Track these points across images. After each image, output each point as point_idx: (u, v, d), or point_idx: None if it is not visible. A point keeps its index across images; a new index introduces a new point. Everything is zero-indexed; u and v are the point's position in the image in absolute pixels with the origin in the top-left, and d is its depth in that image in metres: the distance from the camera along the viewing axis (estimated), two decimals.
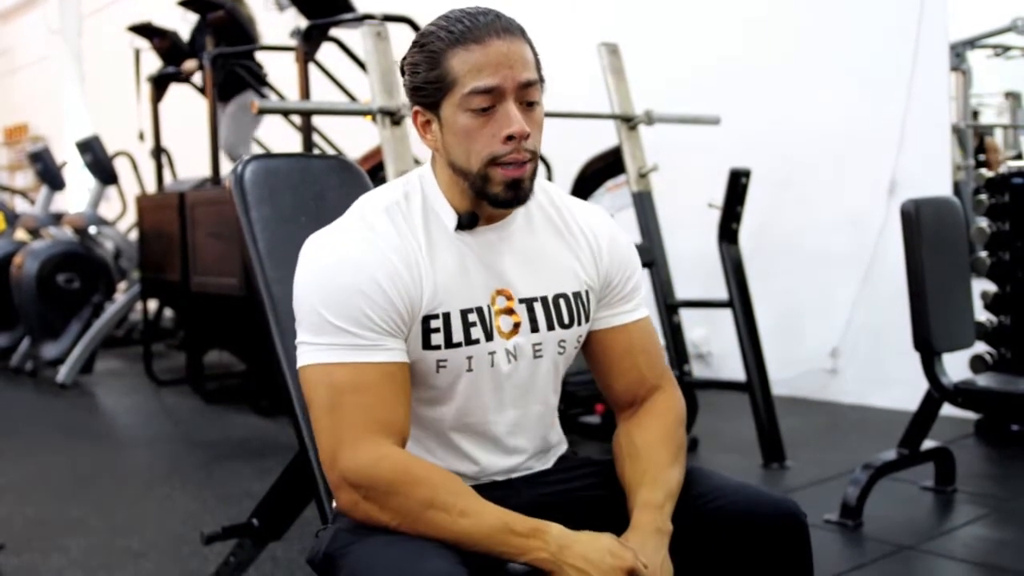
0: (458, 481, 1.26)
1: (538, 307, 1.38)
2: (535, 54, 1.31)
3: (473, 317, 1.33)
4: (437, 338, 1.31)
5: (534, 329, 1.38)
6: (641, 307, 1.48)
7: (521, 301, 1.37)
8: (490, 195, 1.30)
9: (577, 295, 1.41)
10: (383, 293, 1.26)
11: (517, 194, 1.30)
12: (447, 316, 1.31)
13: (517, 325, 1.36)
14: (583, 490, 1.44)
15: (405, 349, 1.30)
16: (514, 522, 1.22)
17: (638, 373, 1.46)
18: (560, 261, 1.40)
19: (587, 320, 1.43)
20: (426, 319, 1.30)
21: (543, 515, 1.29)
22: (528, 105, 1.29)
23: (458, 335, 1.32)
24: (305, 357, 1.28)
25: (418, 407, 1.36)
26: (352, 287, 1.26)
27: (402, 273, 1.28)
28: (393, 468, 1.24)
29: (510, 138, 1.26)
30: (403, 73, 1.33)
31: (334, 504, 1.43)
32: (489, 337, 1.34)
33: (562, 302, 1.40)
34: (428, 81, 1.28)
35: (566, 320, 1.40)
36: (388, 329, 1.27)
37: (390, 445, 1.25)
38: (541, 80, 1.31)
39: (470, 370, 1.34)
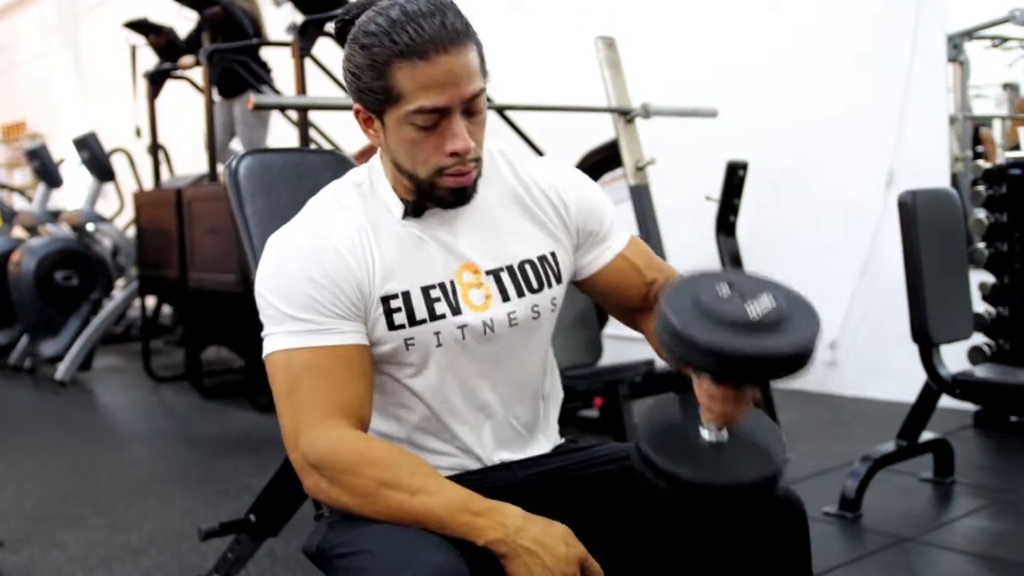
0: (418, 462, 1.26)
1: (505, 276, 1.38)
2: (480, 53, 1.29)
3: (436, 293, 1.34)
4: (400, 317, 1.32)
5: (505, 299, 1.38)
6: (622, 232, 1.50)
7: (488, 273, 1.38)
8: (435, 198, 1.33)
9: (543, 259, 1.42)
10: (328, 276, 1.28)
11: (462, 199, 1.33)
12: (407, 295, 1.32)
13: (488, 297, 1.37)
14: (578, 469, 1.44)
15: (363, 331, 1.31)
16: (472, 502, 1.21)
17: (646, 279, 1.49)
18: (520, 228, 1.41)
19: (559, 281, 1.43)
20: (385, 299, 1.32)
21: (536, 496, 1.29)
22: (472, 114, 1.29)
23: (421, 312, 1.33)
24: (266, 347, 1.30)
25: (398, 388, 1.36)
26: (297, 274, 1.28)
27: (345, 256, 1.30)
28: (350, 448, 1.24)
29: (454, 153, 1.27)
30: (344, 63, 1.30)
31: None
32: (456, 311, 1.34)
33: (528, 267, 1.40)
34: (372, 90, 1.26)
35: (535, 285, 1.40)
36: (339, 312, 1.28)
37: (347, 427, 1.26)
38: (485, 78, 1.30)
39: (439, 345, 1.34)
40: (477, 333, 1.36)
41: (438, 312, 1.33)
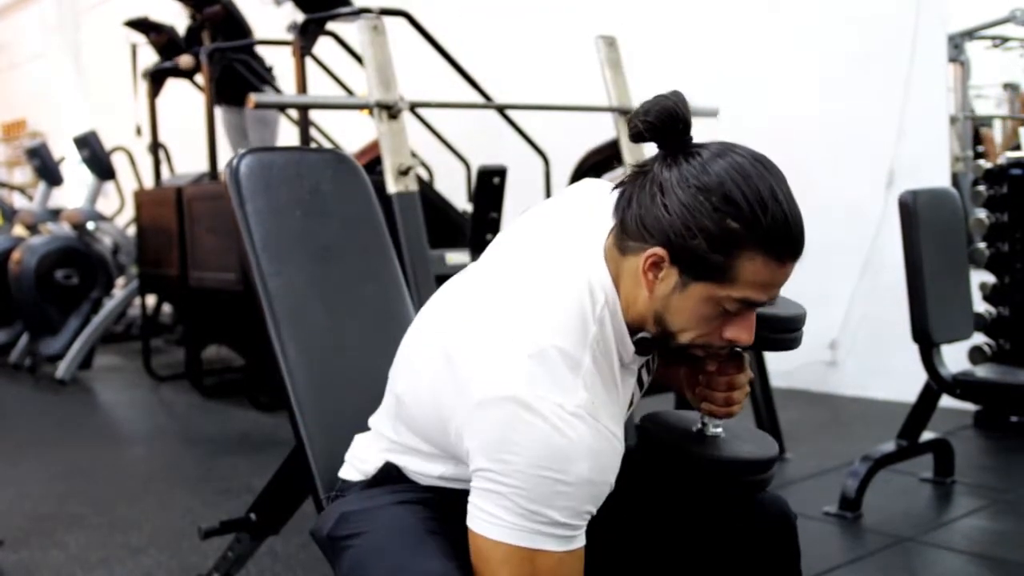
0: None
1: (644, 372, 1.33)
2: None
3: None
4: None
5: (640, 391, 1.35)
6: None
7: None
8: (665, 355, 1.27)
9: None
10: (608, 484, 1.17)
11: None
12: None
13: (634, 395, 1.32)
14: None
15: None
16: None
17: None
18: None
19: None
20: None
21: None
22: None
23: None
24: (501, 533, 1.13)
25: None
26: (586, 480, 1.13)
27: (619, 452, 1.19)
28: None
29: (733, 344, 1.20)
30: (667, 198, 1.14)
31: (341, 473, 1.43)
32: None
33: (655, 357, 1.37)
34: (703, 257, 1.12)
35: (652, 371, 1.38)
36: (594, 512, 1.17)
37: None
38: None
39: None
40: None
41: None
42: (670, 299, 1.16)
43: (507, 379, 1.13)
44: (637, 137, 1.18)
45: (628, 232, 1.18)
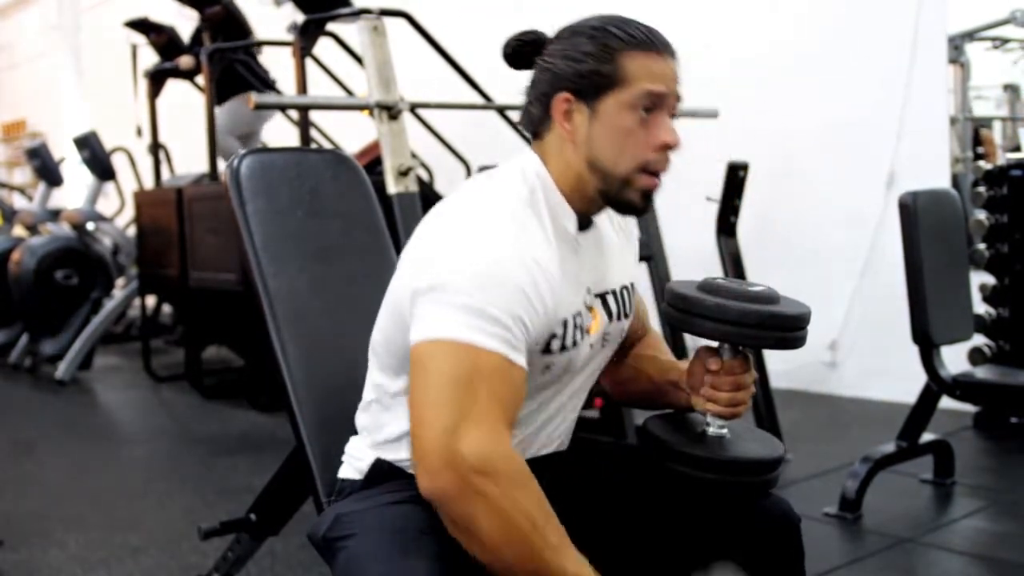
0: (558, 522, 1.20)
1: (611, 299, 1.38)
2: None
3: (579, 320, 1.31)
4: (555, 343, 1.28)
5: (608, 320, 1.38)
6: None
7: (597, 295, 1.36)
8: (623, 200, 1.30)
9: (632, 286, 1.44)
10: (541, 300, 1.22)
11: (647, 205, 1.32)
12: (565, 322, 1.28)
13: (596, 319, 1.35)
14: (599, 472, 1.46)
15: None
16: None
17: (642, 324, 1.57)
18: (622, 254, 1.44)
19: (633, 311, 1.45)
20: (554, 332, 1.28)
21: (567, 498, 1.27)
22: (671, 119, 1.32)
23: (570, 339, 1.29)
24: (447, 330, 1.17)
25: None
26: (519, 286, 1.19)
27: (552, 279, 1.24)
28: (521, 470, 1.17)
29: (665, 148, 1.28)
30: (551, 58, 1.30)
31: (341, 473, 1.43)
32: (584, 334, 1.32)
33: (625, 293, 1.42)
34: (598, 72, 1.26)
35: (627, 311, 1.42)
36: (527, 337, 1.21)
37: (514, 447, 1.20)
38: None
39: (568, 371, 1.33)
40: (587, 354, 1.35)
41: (578, 339, 1.31)
42: (591, 134, 1.28)
43: (446, 209, 1.29)
44: (514, 55, 1.35)
45: (535, 118, 1.33)
